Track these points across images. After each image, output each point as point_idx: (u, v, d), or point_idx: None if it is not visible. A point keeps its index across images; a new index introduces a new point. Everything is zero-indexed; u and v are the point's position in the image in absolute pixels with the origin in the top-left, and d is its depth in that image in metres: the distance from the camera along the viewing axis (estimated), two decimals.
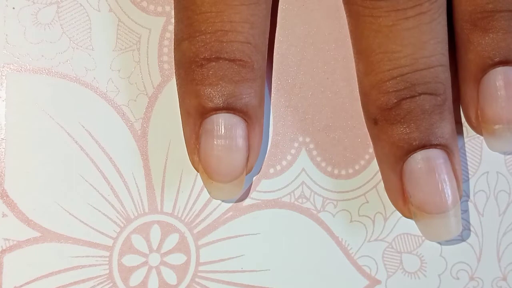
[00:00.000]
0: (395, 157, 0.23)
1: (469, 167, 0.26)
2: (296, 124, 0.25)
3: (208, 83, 0.22)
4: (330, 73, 0.25)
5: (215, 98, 0.22)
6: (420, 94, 0.22)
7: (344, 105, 0.25)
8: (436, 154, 0.23)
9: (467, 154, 0.26)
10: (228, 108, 0.22)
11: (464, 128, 0.26)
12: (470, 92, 0.24)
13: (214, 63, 0.22)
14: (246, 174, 0.23)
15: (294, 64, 0.25)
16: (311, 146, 0.25)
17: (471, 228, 0.26)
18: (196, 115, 0.22)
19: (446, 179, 0.23)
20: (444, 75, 0.23)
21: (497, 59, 0.23)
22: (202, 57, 0.22)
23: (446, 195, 0.23)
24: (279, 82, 0.25)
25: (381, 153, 0.24)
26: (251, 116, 0.22)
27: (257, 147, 0.23)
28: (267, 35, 0.23)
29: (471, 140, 0.26)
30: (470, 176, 0.26)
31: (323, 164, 0.25)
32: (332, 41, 0.25)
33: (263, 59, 0.23)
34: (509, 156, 0.26)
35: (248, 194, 0.24)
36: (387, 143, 0.23)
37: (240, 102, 0.22)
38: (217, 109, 0.22)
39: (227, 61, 0.22)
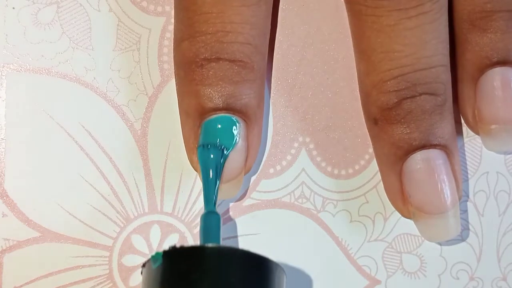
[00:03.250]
0: (395, 157, 0.23)
1: (469, 167, 0.26)
2: (296, 124, 0.25)
3: (208, 83, 0.22)
4: (330, 73, 0.25)
5: (215, 98, 0.22)
6: (420, 94, 0.22)
7: (344, 105, 0.25)
8: (435, 155, 0.23)
9: (467, 154, 0.26)
10: (228, 109, 0.22)
11: (464, 128, 0.26)
12: (468, 92, 0.24)
13: (214, 64, 0.22)
14: (245, 175, 0.23)
15: (294, 64, 0.25)
16: (311, 146, 0.25)
17: (471, 228, 0.26)
18: (196, 115, 0.22)
19: (446, 179, 0.23)
20: (445, 75, 0.23)
21: (494, 59, 0.23)
22: (202, 57, 0.22)
23: (445, 196, 0.23)
24: (279, 82, 0.25)
25: (381, 153, 0.24)
26: (250, 117, 0.22)
27: (255, 147, 0.23)
28: (268, 36, 0.23)
29: (471, 140, 0.26)
30: (470, 176, 0.26)
31: (323, 164, 0.25)
32: (332, 41, 0.25)
33: (263, 60, 0.23)
34: (509, 156, 0.26)
35: (248, 194, 0.24)
36: (387, 143, 0.23)
37: (239, 102, 0.22)
38: (216, 109, 0.22)
39: (227, 62, 0.22)
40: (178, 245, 0.19)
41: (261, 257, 0.19)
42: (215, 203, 0.22)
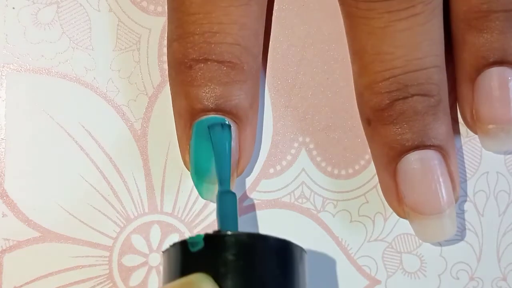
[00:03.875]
0: (388, 158, 0.23)
1: (469, 167, 0.26)
2: (296, 124, 0.25)
3: (197, 85, 0.22)
4: (330, 73, 0.25)
5: (204, 99, 0.22)
6: (412, 95, 0.22)
7: (344, 105, 0.25)
8: (430, 155, 0.23)
9: (467, 154, 0.26)
10: (217, 110, 0.22)
11: (464, 128, 0.26)
12: (466, 92, 0.24)
13: (202, 65, 0.21)
14: (238, 176, 0.23)
15: (294, 64, 0.25)
16: (311, 146, 0.25)
17: (471, 228, 0.26)
18: (186, 116, 0.22)
19: (441, 180, 0.23)
20: (438, 76, 0.23)
21: (491, 60, 0.23)
22: (190, 58, 0.21)
23: (440, 197, 0.23)
24: (279, 82, 0.25)
25: (375, 154, 0.24)
26: (241, 118, 0.22)
27: (248, 149, 0.23)
28: (261, 37, 0.23)
29: (471, 140, 0.26)
30: (470, 176, 0.26)
31: (323, 164, 0.25)
32: (332, 41, 0.25)
33: (255, 60, 0.23)
34: (509, 156, 0.26)
35: (248, 194, 0.24)
36: (380, 143, 0.23)
37: (229, 103, 0.22)
38: (206, 111, 0.22)
39: (215, 63, 0.21)
40: (215, 231, 0.19)
41: (297, 246, 0.20)
42: (229, 181, 0.21)
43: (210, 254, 0.19)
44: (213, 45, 0.21)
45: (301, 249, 0.20)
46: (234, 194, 0.21)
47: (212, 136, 0.22)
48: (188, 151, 0.22)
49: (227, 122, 0.22)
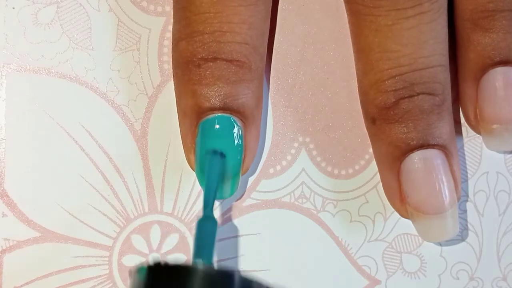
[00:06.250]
0: (392, 157, 0.23)
1: (469, 167, 0.26)
2: (296, 124, 0.25)
3: (205, 83, 0.22)
4: (330, 73, 0.25)
5: (212, 98, 0.22)
6: (418, 93, 0.22)
7: (344, 105, 0.25)
8: (433, 155, 0.23)
9: (467, 154, 0.26)
10: (225, 108, 0.22)
11: (464, 128, 0.26)
12: (470, 91, 0.24)
13: (211, 63, 0.22)
14: (242, 175, 0.23)
15: (294, 64, 0.25)
16: (311, 146, 0.25)
17: (471, 228, 0.26)
18: (193, 114, 0.22)
19: (444, 179, 0.23)
20: (443, 75, 0.23)
21: (497, 59, 0.23)
22: (199, 57, 0.22)
23: (443, 196, 0.23)
24: (279, 82, 0.25)
25: (379, 152, 0.24)
26: (248, 117, 0.22)
27: (253, 148, 0.23)
28: (266, 37, 0.23)
29: (471, 140, 0.26)
30: (470, 176, 0.26)
31: (323, 164, 0.25)
32: (332, 41, 0.25)
33: (261, 60, 0.23)
34: (509, 156, 0.26)
35: (248, 194, 0.24)
36: (384, 142, 0.23)
37: (236, 102, 0.22)
38: (213, 109, 0.22)
39: (224, 62, 0.22)
40: (163, 262, 0.18)
41: (252, 281, 0.19)
42: (212, 207, 0.21)
43: (150, 286, 0.18)
44: (222, 44, 0.21)
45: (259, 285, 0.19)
46: (215, 221, 0.21)
47: (207, 161, 0.22)
48: (193, 150, 0.22)
49: (235, 121, 0.22)
